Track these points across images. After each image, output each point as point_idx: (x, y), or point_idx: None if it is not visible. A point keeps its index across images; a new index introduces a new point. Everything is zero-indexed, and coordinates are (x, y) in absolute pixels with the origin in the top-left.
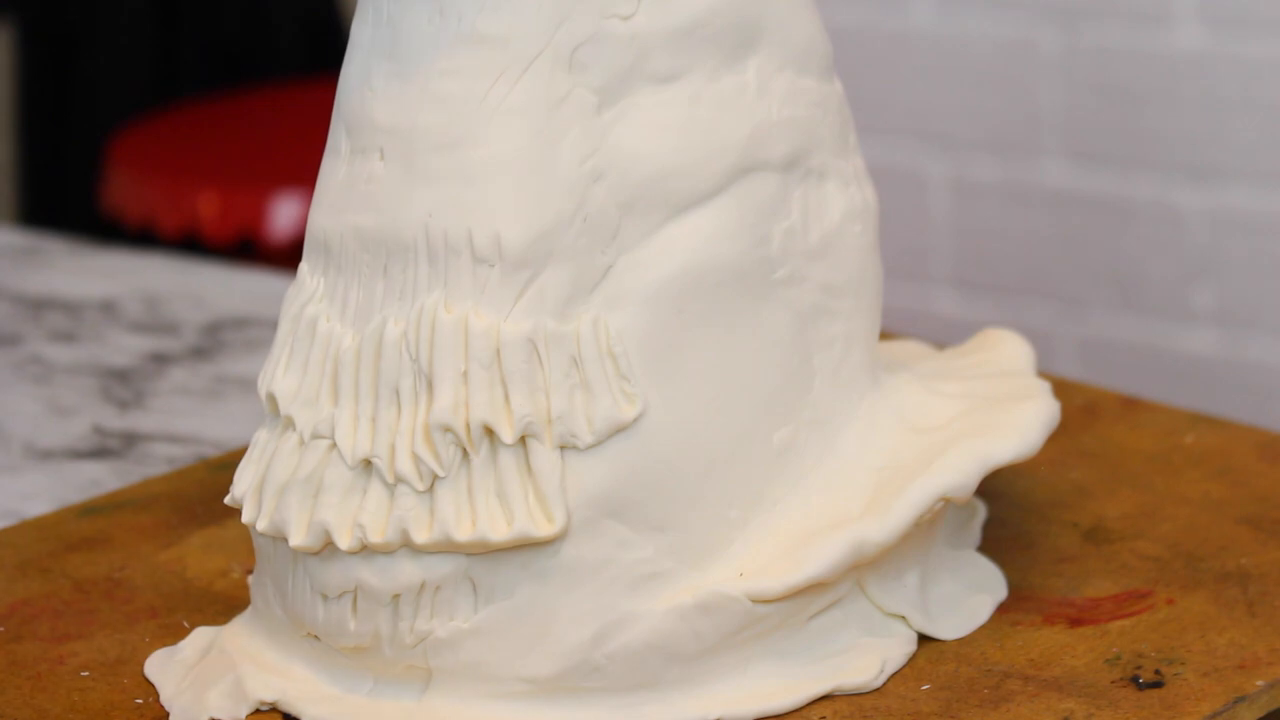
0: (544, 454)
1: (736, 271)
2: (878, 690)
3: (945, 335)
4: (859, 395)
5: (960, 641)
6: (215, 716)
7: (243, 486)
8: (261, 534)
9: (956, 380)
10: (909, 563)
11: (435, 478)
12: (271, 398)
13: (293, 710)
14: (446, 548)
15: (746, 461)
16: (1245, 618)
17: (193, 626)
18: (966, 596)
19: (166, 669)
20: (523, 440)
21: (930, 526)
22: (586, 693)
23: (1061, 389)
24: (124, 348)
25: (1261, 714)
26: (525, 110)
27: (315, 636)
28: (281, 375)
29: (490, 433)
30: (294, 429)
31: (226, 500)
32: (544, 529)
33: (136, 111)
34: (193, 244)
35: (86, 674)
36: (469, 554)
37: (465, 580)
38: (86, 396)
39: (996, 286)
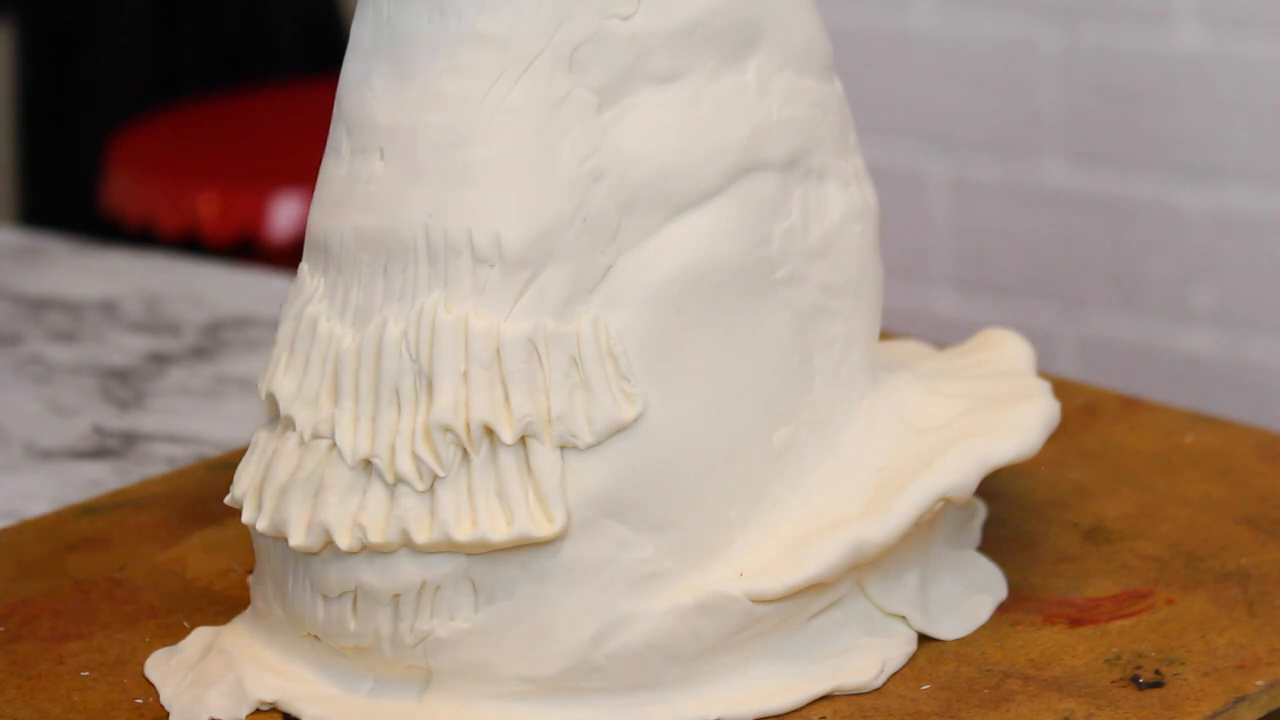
0: (544, 454)
1: (736, 271)
2: (878, 690)
3: (945, 335)
4: (859, 395)
5: (960, 641)
6: (215, 716)
7: (243, 486)
8: (261, 534)
9: (956, 380)
10: (909, 563)
11: (435, 478)
12: (271, 398)
13: (293, 710)
14: (447, 548)
15: (746, 461)
16: (1245, 618)
17: (193, 626)
18: (966, 596)
19: (167, 669)
20: (523, 440)
21: (930, 526)
22: (586, 693)
23: (1061, 389)
24: (124, 348)
25: (1261, 714)
26: (525, 110)
27: (315, 636)
28: (281, 375)
29: (490, 433)
30: (294, 429)
31: (226, 500)
32: (544, 529)
33: (136, 111)
34: (193, 244)
35: (86, 674)
36: (469, 554)
37: (465, 580)
38: (86, 396)
39: (996, 286)
